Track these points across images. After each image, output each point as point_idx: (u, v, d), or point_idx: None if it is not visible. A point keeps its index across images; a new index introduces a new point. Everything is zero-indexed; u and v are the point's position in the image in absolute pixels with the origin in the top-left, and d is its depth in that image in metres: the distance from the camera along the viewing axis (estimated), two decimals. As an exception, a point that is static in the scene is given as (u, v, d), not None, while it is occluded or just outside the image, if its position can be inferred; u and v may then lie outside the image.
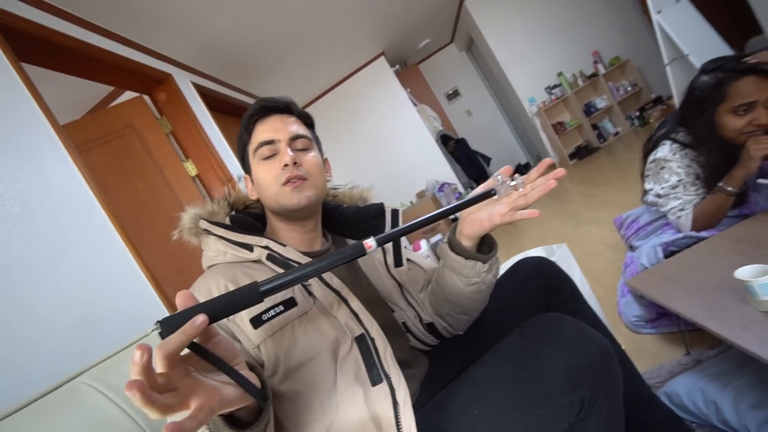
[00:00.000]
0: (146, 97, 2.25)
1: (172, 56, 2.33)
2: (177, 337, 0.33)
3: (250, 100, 3.27)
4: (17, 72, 1.28)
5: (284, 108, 0.71)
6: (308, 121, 0.75)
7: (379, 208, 0.77)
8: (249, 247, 0.62)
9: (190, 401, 0.32)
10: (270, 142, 0.66)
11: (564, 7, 4.24)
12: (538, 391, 0.48)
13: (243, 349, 0.55)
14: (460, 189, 4.42)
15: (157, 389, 0.31)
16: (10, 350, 0.90)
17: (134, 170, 2.17)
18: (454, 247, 0.64)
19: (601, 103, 4.13)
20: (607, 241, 1.85)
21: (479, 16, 4.32)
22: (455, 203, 0.55)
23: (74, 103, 2.43)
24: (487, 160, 4.93)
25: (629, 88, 4.06)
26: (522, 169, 5.18)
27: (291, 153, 0.66)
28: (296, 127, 0.70)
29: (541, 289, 0.77)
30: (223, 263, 0.63)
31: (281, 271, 0.59)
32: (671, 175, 1.13)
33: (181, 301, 0.38)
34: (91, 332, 1.02)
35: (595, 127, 4.17)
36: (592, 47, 4.21)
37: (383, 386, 0.55)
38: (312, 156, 0.70)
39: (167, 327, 0.34)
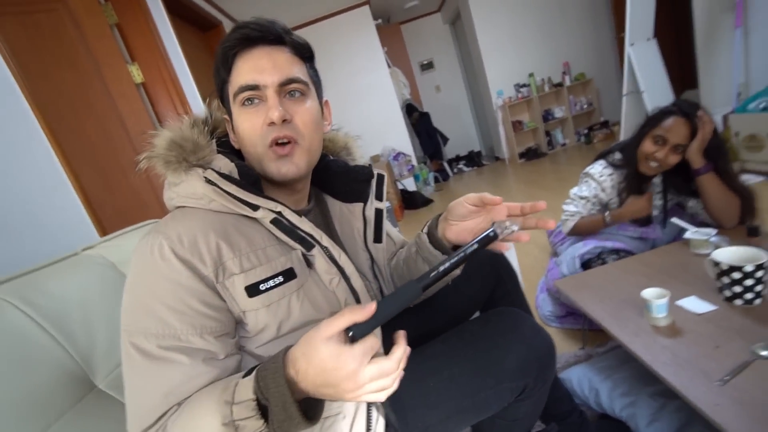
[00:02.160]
0: (89, -28, 1.88)
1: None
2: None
3: (217, 14, 2.90)
4: None
5: (275, 38, 0.56)
6: (306, 53, 0.60)
7: (369, 173, 0.71)
8: (254, 207, 0.53)
9: None
10: (253, 88, 0.54)
11: (551, 14, 4.38)
12: (492, 375, 0.55)
13: (220, 306, 0.50)
14: (413, 162, 4.49)
15: None
16: None
17: (62, 58, 1.83)
18: (434, 241, 0.65)
19: (558, 112, 4.41)
20: (537, 241, 2.06)
21: (473, -7, 4.25)
22: (465, 250, 0.50)
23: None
24: (445, 140, 5.05)
25: (585, 106, 4.38)
26: (474, 157, 5.41)
27: (279, 109, 0.53)
28: (289, 67, 0.56)
29: (491, 277, 0.85)
30: (205, 210, 0.53)
31: (282, 236, 0.54)
32: (588, 189, 1.31)
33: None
34: (5, 241, 0.90)
35: (547, 133, 4.47)
36: (565, 58, 4.41)
37: None
38: (307, 106, 0.58)
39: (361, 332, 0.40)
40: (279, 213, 0.55)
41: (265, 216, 0.54)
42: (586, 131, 4.32)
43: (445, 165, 4.94)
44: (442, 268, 0.46)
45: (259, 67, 0.54)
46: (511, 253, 1.35)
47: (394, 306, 0.42)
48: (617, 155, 1.30)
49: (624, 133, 2.83)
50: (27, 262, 0.73)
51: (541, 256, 1.90)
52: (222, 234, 0.51)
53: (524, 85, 4.40)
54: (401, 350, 0.40)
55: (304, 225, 0.56)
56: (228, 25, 3.07)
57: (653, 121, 1.19)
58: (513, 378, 0.55)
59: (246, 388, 0.41)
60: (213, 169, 0.53)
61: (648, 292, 0.87)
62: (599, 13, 4.41)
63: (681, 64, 3.87)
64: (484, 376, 0.56)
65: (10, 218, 0.96)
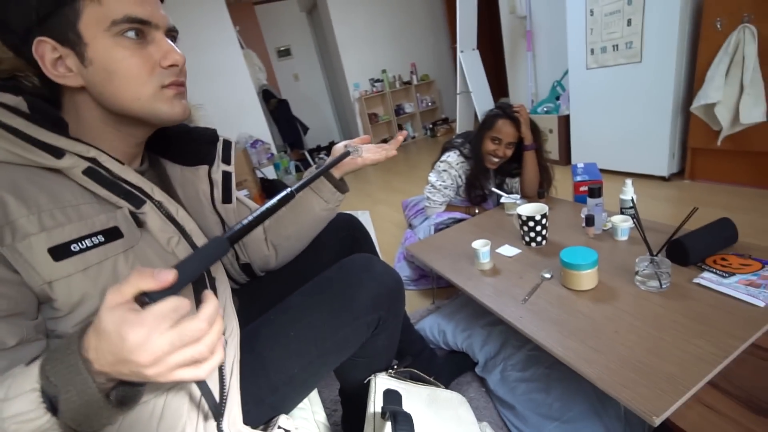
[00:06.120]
0: None
1: None
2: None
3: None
4: None
5: None
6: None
7: (213, 135, 0.68)
8: (57, 152, 0.43)
9: None
10: (144, 23, 0.46)
11: (400, 17, 4.80)
12: (348, 312, 0.59)
13: (6, 278, 0.39)
14: (273, 150, 4.30)
15: None
16: None
17: None
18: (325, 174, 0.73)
19: (408, 108, 4.88)
20: (393, 220, 2.27)
21: (328, -16, 4.30)
22: (328, 162, 0.67)
23: None
24: (305, 129, 4.99)
25: (429, 104, 4.97)
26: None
27: (180, 52, 0.49)
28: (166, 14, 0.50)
29: (347, 239, 0.90)
30: None
31: (101, 190, 0.46)
32: (449, 177, 1.53)
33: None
34: None
35: (400, 127, 4.90)
36: (412, 59, 4.90)
37: None
38: None
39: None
40: (93, 160, 0.46)
41: (74, 165, 0.44)
42: (431, 126, 4.92)
43: (307, 154, 4.90)
44: (250, 218, 0.44)
45: (147, 2, 0.47)
46: (370, 229, 1.46)
47: (197, 264, 0.37)
48: (467, 147, 1.53)
49: (459, 126, 3.34)
50: None
51: (396, 232, 2.09)
52: (7, 186, 0.40)
53: (378, 80, 4.71)
54: (211, 307, 0.33)
55: (129, 175, 0.49)
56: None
57: (486, 124, 1.44)
58: (368, 312, 0.60)
59: (26, 377, 0.32)
60: None
61: (476, 243, 1.07)
62: (438, 24, 5.05)
63: (497, 75, 4.78)
64: (342, 315, 0.59)
65: None
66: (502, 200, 1.41)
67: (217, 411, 0.47)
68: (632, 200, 1.09)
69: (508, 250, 1.13)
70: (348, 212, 0.98)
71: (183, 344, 0.31)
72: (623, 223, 1.04)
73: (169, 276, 0.32)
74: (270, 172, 4.04)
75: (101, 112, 0.50)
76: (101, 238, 0.44)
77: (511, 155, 1.46)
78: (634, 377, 0.62)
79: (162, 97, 0.49)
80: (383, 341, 0.66)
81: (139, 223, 0.49)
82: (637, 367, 0.64)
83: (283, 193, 0.50)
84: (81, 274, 0.42)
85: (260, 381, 0.55)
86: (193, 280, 0.35)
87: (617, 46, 2.04)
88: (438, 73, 5.07)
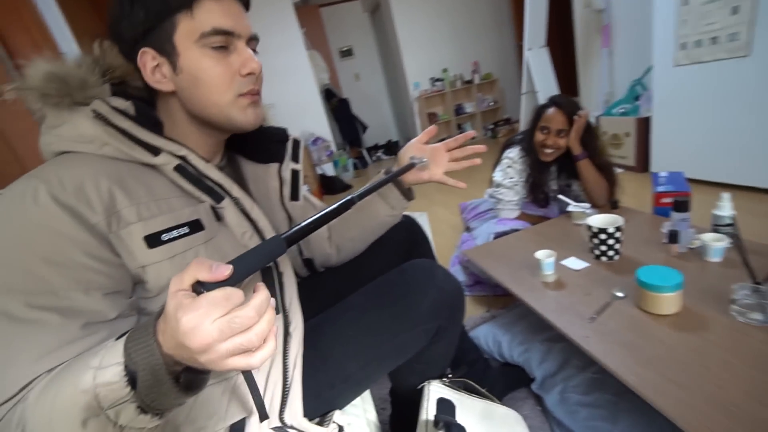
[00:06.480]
0: None
1: None
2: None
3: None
4: None
5: None
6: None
7: (283, 134, 0.72)
8: (154, 150, 0.49)
9: None
10: (229, 34, 0.50)
11: (465, 15, 4.69)
12: (408, 318, 0.59)
13: (112, 260, 0.44)
14: (333, 148, 4.44)
15: None
16: None
17: None
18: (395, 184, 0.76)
19: (469, 107, 4.76)
20: (450, 222, 2.22)
21: (392, -16, 4.32)
22: (391, 173, 0.68)
23: None
24: (364, 127, 5.08)
25: (491, 103, 4.80)
26: (392, 146, 5.57)
27: (259, 61, 0.53)
28: (250, 24, 0.54)
29: (406, 242, 0.90)
30: (95, 155, 0.47)
31: (188, 186, 0.51)
32: (516, 172, 1.49)
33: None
34: None
35: (459, 126, 4.80)
36: (475, 58, 4.77)
37: (278, 318, 0.55)
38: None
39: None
40: (183, 158, 0.51)
41: (167, 162, 0.50)
42: (491, 126, 4.75)
43: (364, 153, 4.99)
44: (309, 220, 0.45)
45: (233, 14, 0.51)
46: (427, 231, 1.44)
47: (254, 260, 0.38)
48: (525, 143, 1.48)
49: (522, 128, 3.19)
50: None
51: (453, 235, 2.05)
52: (116, 180, 0.46)
53: (439, 80, 4.65)
54: (261, 297, 0.34)
55: (212, 172, 0.53)
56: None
57: (536, 116, 1.41)
58: (428, 320, 0.60)
59: (114, 350, 0.35)
60: (105, 101, 0.47)
61: (539, 253, 1.01)
62: (503, 20, 4.85)
63: (566, 74, 4.48)
64: (402, 320, 0.59)
65: None
66: (570, 209, 1.32)
67: (281, 401, 0.50)
68: (732, 217, 0.96)
69: (574, 263, 1.05)
70: (406, 214, 0.98)
71: (232, 332, 0.32)
72: (717, 243, 0.92)
73: (225, 271, 0.34)
74: (329, 169, 4.18)
75: (187, 115, 0.55)
76: (186, 230, 0.49)
77: (566, 147, 1.37)
78: (728, 423, 0.55)
79: (237, 106, 0.53)
80: (441, 349, 0.65)
81: (218, 217, 0.54)
82: (732, 412, 0.56)
83: (344, 200, 0.50)
84: (168, 261, 0.47)
85: (319, 376, 0.57)
86: (248, 276, 0.37)
87: (717, 38, 1.81)
88: (501, 71, 4.88)
